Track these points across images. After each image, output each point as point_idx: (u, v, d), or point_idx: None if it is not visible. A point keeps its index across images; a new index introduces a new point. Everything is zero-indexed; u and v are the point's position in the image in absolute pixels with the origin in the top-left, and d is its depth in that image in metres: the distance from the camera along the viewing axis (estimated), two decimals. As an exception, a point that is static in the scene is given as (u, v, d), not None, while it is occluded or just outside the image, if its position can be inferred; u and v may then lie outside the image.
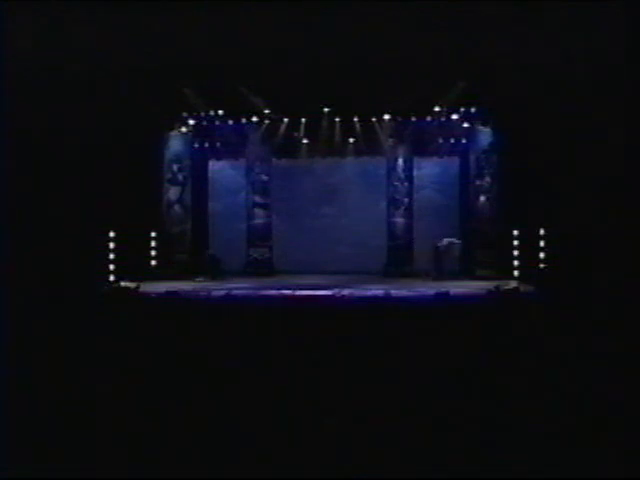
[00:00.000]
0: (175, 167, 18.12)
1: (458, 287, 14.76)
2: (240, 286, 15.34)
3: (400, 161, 18.02)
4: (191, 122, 17.98)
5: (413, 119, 17.62)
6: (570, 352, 7.88)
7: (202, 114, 17.75)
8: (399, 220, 18.00)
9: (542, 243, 16.58)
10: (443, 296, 13.11)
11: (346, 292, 14.06)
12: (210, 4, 13.46)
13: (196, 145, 18.72)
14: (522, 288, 14.04)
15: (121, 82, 15.41)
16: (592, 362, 7.42)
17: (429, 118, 17.58)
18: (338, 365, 7.36)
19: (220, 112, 17.69)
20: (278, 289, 14.64)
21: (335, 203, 19.08)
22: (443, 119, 17.57)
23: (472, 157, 17.70)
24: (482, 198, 17.47)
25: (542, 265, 16.48)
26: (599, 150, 15.07)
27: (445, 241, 17.06)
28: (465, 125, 17.60)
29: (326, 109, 17.54)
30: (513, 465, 4.86)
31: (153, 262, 17.80)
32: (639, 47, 12.35)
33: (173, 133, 18.06)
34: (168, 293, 13.57)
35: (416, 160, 18.30)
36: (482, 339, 8.67)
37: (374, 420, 5.68)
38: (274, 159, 18.65)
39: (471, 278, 16.76)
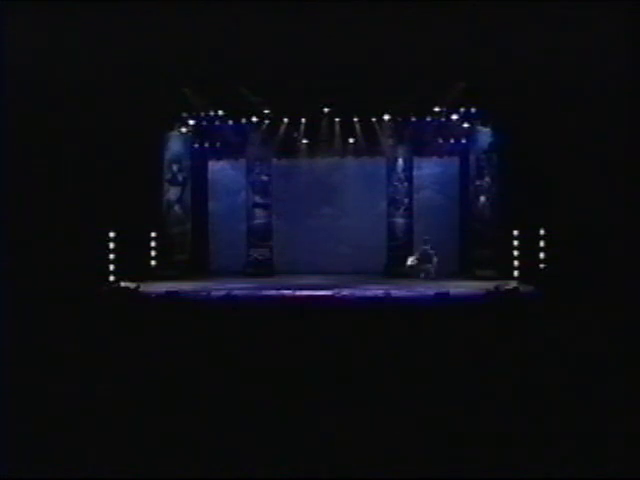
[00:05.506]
0: (175, 167, 18.10)
1: (458, 287, 14.76)
2: (240, 286, 15.33)
3: (400, 161, 18.00)
4: (191, 122, 17.95)
5: (413, 119, 17.60)
6: (570, 352, 7.88)
7: (202, 114, 17.72)
8: (399, 220, 17.99)
9: (542, 243, 16.58)
10: (443, 296, 13.12)
11: (346, 292, 14.06)
12: (210, 4, 13.46)
13: (196, 145, 18.70)
14: (522, 288, 14.04)
15: (121, 82, 15.41)
16: (592, 362, 7.42)
17: (429, 118, 17.55)
18: (338, 365, 7.36)
19: (220, 112, 17.65)
20: (278, 289, 14.63)
21: (335, 203, 19.06)
22: (443, 119, 17.54)
23: (472, 157, 17.68)
24: (482, 198, 17.45)
25: (542, 265, 16.48)
26: (599, 150, 15.07)
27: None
28: (465, 125, 17.58)
29: (326, 109, 17.52)
30: (513, 465, 4.86)
31: (153, 262, 17.79)
32: (639, 47, 12.35)
33: (173, 133, 18.04)
34: (168, 293, 13.58)
35: (416, 160, 18.28)
36: (482, 339, 8.67)
37: (374, 420, 5.68)
38: (274, 159, 18.62)
39: (471, 278, 16.75)
